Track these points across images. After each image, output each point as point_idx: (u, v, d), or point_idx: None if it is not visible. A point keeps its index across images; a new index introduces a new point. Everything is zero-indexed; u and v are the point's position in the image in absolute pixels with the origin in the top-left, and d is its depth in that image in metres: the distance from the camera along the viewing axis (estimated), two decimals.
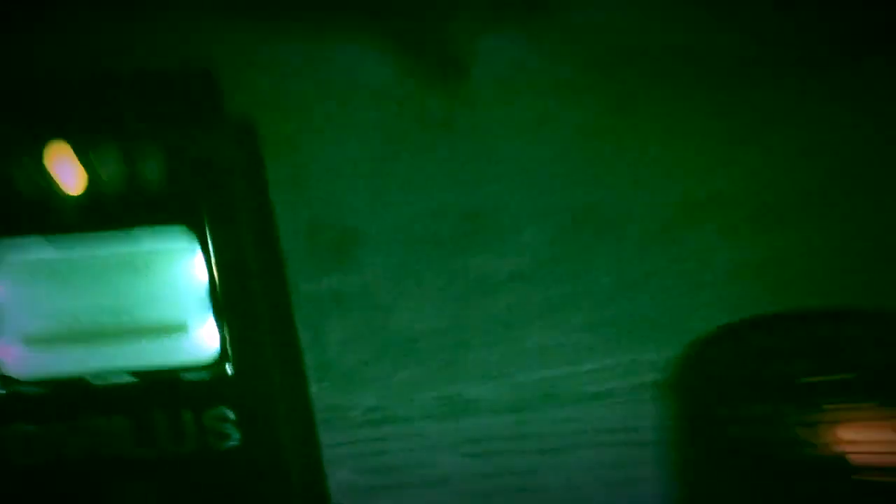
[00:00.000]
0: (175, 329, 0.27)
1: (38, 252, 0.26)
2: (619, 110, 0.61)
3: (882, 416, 0.43)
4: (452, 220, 0.56)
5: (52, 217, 0.26)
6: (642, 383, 0.49)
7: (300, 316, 0.47)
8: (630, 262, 0.55)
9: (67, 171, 0.26)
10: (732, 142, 0.64)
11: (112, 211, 0.26)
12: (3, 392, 0.26)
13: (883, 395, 0.44)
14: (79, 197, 0.26)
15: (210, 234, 0.27)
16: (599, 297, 0.53)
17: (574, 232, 0.55)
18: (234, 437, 0.27)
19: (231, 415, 0.27)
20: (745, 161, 0.63)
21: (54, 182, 0.26)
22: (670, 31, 0.68)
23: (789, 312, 0.49)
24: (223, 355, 0.28)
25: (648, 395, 0.48)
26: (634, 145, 0.60)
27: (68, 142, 0.26)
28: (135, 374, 0.27)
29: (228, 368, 0.27)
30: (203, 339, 0.28)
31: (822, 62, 0.63)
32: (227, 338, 0.27)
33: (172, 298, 0.27)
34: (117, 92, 0.27)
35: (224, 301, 0.27)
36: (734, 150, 0.64)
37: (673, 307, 0.52)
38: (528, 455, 0.48)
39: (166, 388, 0.27)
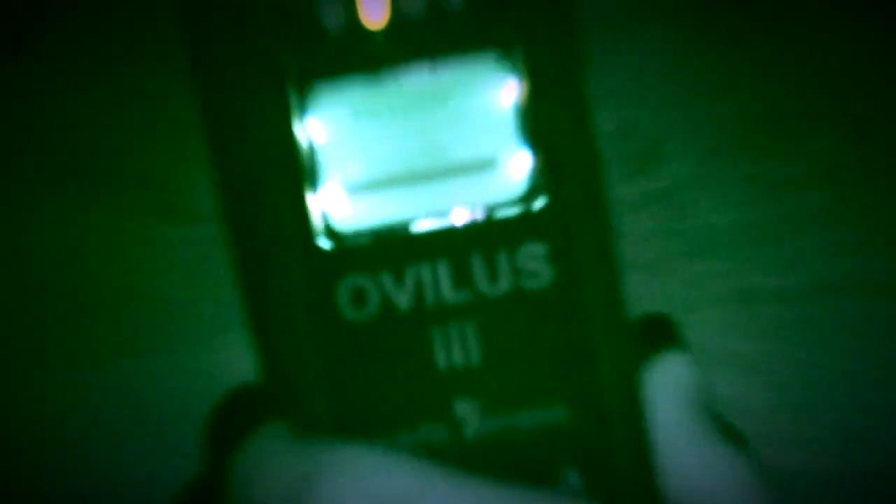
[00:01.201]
0: (487, 164, 0.26)
1: (351, 92, 0.25)
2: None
3: None
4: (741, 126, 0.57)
5: (361, 55, 0.25)
6: None
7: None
8: None
9: (373, 5, 0.25)
10: None
11: (420, 42, 0.25)
12: (329, 245, 0.25)
13: None
14: (385, 31, 0.25)
15: (522, 58, 0.25)
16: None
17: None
18: (547, 275, 0.26)
19: (543, 250, 0.26)
20: None
21: (360, 18, 0.25)
22: None
23: None
24: (534, 188, 0.26)
25: None
26: None
27: None
28: (451, 215, 0.26)
29: (540, 202, 0.26)
30: (514, 172, 0.26)
31: None
32: (539, 170, 0.26)
33: (482, 130, 0.26)
34: None
35: (534, 130, 0.26)
36: None
37: None
38: (804, 340, 0.49)
39: (481, 227, 0.26)
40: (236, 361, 0.42)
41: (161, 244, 0.54)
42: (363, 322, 0.25)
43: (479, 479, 0.23)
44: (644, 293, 0.50)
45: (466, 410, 0.25)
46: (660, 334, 0.27)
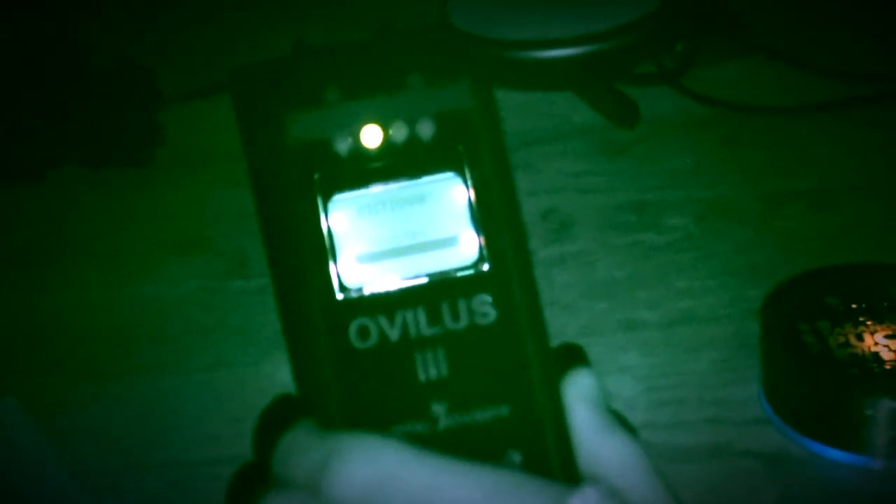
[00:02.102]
0: (449, 242, 0.27)
1: (359, 198, 0.26)
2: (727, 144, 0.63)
3: None
4: (629, 210, 0.59)
5: (366, 173, 0.26)
6: (748, 309, 0.50)
7: (537, 269, 0.51)
8: (741, 235, 0.56)
9: (374, 142, 0.26)
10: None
11: (404, 166, 0.26)
12: (345, 297, 0.26)
13: None
14: (382, 159, 0.26)
15: (469, 175, 0.26)
16: (721, 259, 0.55)
17: (705, 217, 0.58)
18: (492, 315, 0.26)
19: (489, 299, 0.26)
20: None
21: (366, 151, 0.26)
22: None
23: (856, 265, 0.48)
24: (481, 258, 0.26)
25: (751, 317, 0.48)
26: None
27: (374, 121, 0.26)
28: (426, 275, 0.27)
29: (485, 266, 0.26)
30: (467, 248, 0.27)
31: None
32: (483, 246, 0.26)
33: (445, 220, 0.27)
34: (401, 56, 0.27)
35: (479, 219, 0.26)
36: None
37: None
38: (676, 354, 0.49)
39: (447, 283, 0.26)
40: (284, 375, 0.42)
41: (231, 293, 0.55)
42: (366, 350, 0.26)
43: (448, 457, 0.24)
44: (563, 324, 0.51)
45: (439, 410, 0.26)
46: (572, 356, 0.28)
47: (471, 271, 0.26)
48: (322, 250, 0.26)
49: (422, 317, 0.26)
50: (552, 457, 0.25)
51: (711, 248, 0.56)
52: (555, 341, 0.26)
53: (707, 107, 0.67)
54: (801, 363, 0.43)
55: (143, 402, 0.49)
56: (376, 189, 0.27)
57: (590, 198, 0.61)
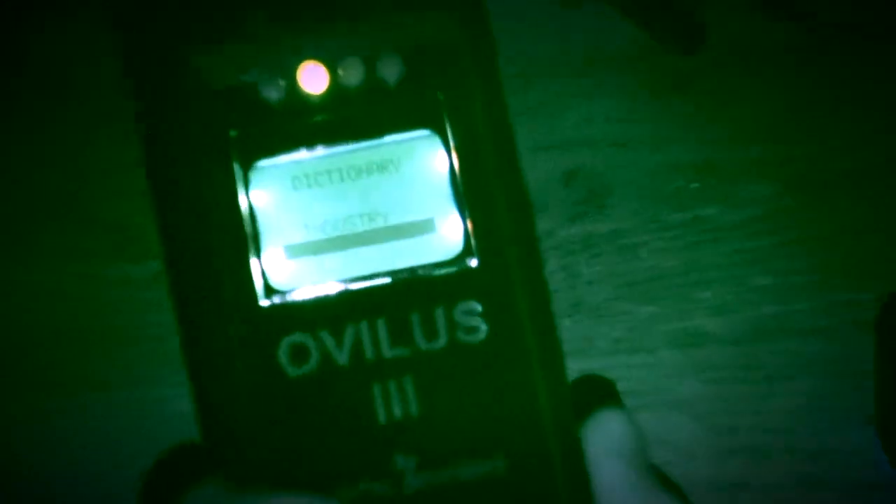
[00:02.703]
0: (422, 228, 0.27)
1: (295, 164, 0.27)
2: (831, 85, 0.62)
3: None
4: (686, 173, 0.58)
5: (305, 130, 0.27)
6: (856, 320, 0.50)
7: (556, 255, 0.51)
8: (848, 213, 0.56)
9: (317, 86, 0.26)
10: None
11: (359, 120, 0.27)
12: (272, 304, 0.26)
13: None
14: (328, 110, 0.26)
15: (451, 134, 0.27)
16: (818, 246, 0.55)
17: (797, 186, 0.57)
18: (482, 330, 0.27)
19: (478, 307, 0.27)
20: None
21: (305, 98, 0.27)
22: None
23: None
24: (467, 249, 0.27)
25: (861, 331, 0.48)
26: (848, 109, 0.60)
27: (316, 58, 0.26)
28: (389, 274, 0.27)
29: (473, 261, 0.27)
30: (448, 235, 0.27)
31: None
32: (470, 232, 0.27)
33: (418, 199, 0.27)
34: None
35: (465, 195, 0.27)
36: None
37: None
38: (754, 383, 0.50)
39: (418, 285, 0.27)
40: (183, 405, 0.42)
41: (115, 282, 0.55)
42: (302, 378, 0.26)
43: None
44: (589, 338, 0.51)
45: (406, 464, 0.26)
46: (597, 391, 0.28)
47: (453, 268, 0.27)
48: (240, 238, 0.27)
49: (382, 332, 0.26)
50: None
51: (804, 231, 0.56)
52: (575, 366, 0.27)
53: (806, 28, 0.67)
54: None
55: None
56: (318, 153, 0.27)
57: (631, 154, 0.61)
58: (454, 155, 0.27)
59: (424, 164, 0.27)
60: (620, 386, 0.46)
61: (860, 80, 0.63)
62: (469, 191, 0.27)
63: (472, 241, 0.27)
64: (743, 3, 0.68)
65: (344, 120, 0.27)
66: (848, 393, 0.49)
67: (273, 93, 0.27)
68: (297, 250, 0.27)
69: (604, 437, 0.27)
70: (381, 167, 0.27)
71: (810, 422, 0.48)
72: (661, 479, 0.27)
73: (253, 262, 0.27)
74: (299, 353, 0.26)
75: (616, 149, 0.61)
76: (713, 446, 0.48)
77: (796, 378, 0.50)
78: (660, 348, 0.52)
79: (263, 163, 0.27)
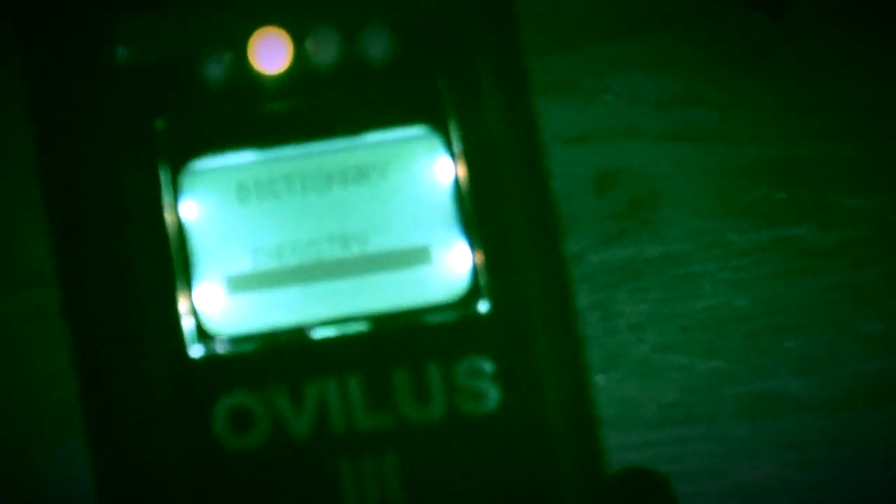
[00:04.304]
0: (414, 258, 0.27)
1: (243, 169, 0.27)
2: None
3: None
4: (764, 178, 0.58)
5: (258, 123, 0.27)
6: None
7: (588, 289, 0.51)
8: None
9: (274, 63, 0.27)
10: None
11: (331, 111, 0.27)
12: (207, 353, 0.27)
13: None
14: (290, 96, 0.27)
15: (455, 132, 0.27)
16: None
17: None
18: (493, 398, 0.27)
19: (488, 367, 0.27)
20: None
21: (258, 78, 0.27)
22: None
23: None
24: (474, 289, 0.27)
25: None
26: None
27: (275, 25, 0.27)
28: (367, 320, 0.27)
29: (483, 306, 0.27)
30: (449, 268, 0.27)
31: None
32: (479, 266, 0.27)
33: (410, 219, 0.27)
34: None
35: (474, 215, 0.27)
36: None
37: None
38: (854, 464, 0.51)
39: (407, 335, 0.27)
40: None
41: None
42: (247, 452, 0.27)
43: None
44: (632, 401, 0.52)
45: None
46: (646, 487, 0.29)
47: (454, 314, 0.27)
48: (165, 265, 0.27)
49: (356, 394, 0.27)
50: None
51: None
52: (611, 442, 0.27)
53: None
54: None
55: None
56: (274, 153, 0.27)
57: (689, 150, 0.61)
58: (458, 160, 0.28)
59: (418, 171, 0.27)
60: (673, 468, 0.47)
61: None
62: (478, 209, 0.27)
63: (481, 278, 0.27)
64: None
65: (310, 110, 0.27)
66: None
67: (215, 70, 0.27)
68: (241, 283, 0.27)
69: None
70: (360, 174, 0.27)
71: None
72: None
73: (182, 297, 0.27)
74: (242, 419, 0.26)
75: (669, 143, 0.62)
76: None
77: None
78: (727, 418, 0.53)
79: (200, 164, 0.27)
